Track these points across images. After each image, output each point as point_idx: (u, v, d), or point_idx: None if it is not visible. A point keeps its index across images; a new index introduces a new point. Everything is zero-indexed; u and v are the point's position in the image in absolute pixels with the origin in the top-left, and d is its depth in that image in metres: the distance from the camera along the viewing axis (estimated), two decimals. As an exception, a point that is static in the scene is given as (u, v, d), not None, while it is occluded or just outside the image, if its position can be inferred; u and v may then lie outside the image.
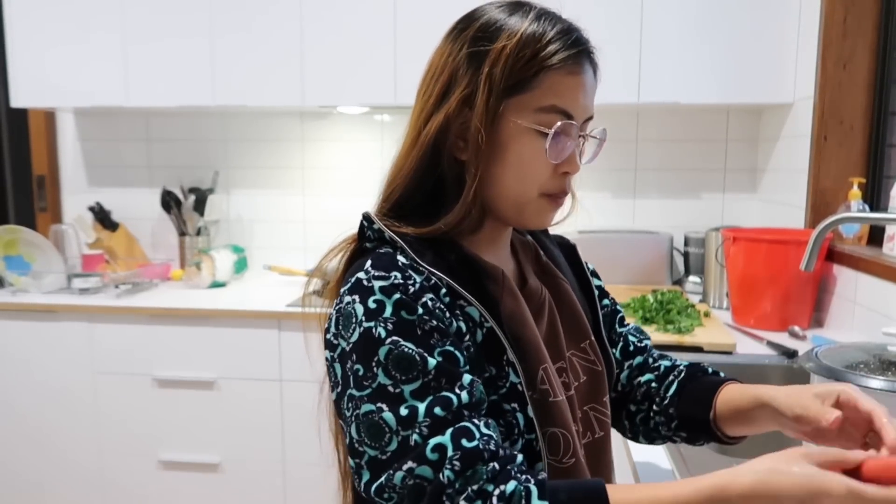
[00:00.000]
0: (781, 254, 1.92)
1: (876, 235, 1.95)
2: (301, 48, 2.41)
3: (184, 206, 2.79)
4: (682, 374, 0.97)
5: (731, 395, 0.89)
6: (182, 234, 2.81)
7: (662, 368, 1.00)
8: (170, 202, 2.79)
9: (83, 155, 2.98)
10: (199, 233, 2.80)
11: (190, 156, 2.91)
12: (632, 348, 1.03)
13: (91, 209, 2.81)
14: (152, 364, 2.36)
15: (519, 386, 0.78)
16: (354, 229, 0.87)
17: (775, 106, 2.38)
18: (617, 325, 1.04)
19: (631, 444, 1.19)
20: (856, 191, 1.94)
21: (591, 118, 0.83)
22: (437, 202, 0.82)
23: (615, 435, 0.98)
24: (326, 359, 0.77)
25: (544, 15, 0.80)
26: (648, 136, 2.67)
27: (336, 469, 0.92)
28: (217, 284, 2.63)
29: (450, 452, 0.67)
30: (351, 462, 0.72)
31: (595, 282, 1.02)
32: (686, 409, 0.93)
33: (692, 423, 0.92)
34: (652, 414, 0.98)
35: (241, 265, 2.81)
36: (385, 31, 2.37)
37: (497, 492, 0.66)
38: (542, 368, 0.81)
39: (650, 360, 1.02)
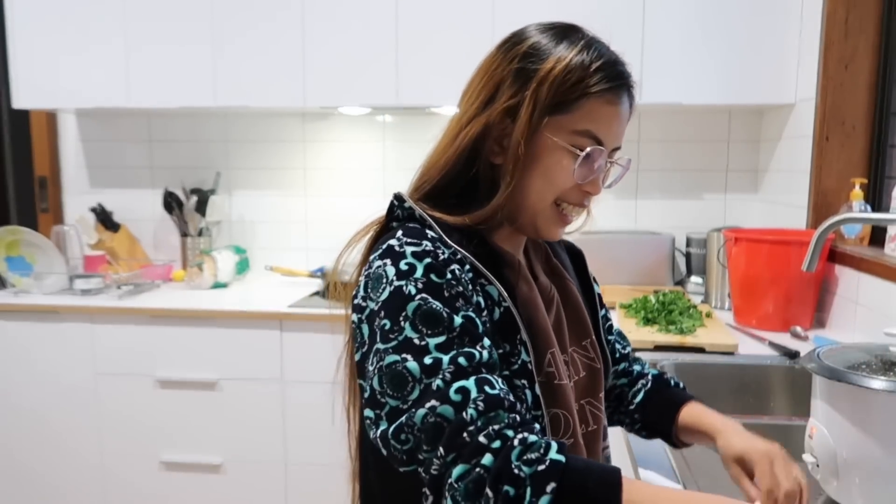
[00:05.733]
0: (783, 254, 1.92)
1: (878, 236, 1.94)
2: (303, 49, 2.42)
3: (185, 206, 2.79)
4: (649, 385, 1.07)
5: (689, 418, 1.00)
6: (184, 234, 2.81)
7: (634, 374, 1.10)
8: (171, 203, 2.79)
9: (85, 156, 2.98)
10: (200, 234, 2.80)
11: (192, 157, 2.91)
12: (617, 355, 1.12)
13: (93, 210, 2.81)
14: (154, 365, 2.36)
15: (529, 364, 0.82)
16: (356, 227, 0.91)
17: (777, 106, 2.37)
18: (606, 333, 1.10)
19: (631, 439, 1.20)
20: (857, 191, 1.94)
21: (618, 148, 0.89)
22: (465, 198, 0.87)
23: (616, 430, 1.05)
24: (353, 322, 0.80)
25: (594, 44, 0.84)
26: (650, 137, 2.67)
27: (347, 465, 0.94)
28: (219, 285, 2.64)
29: (473, 394, 0.69)
30: (370, 413, 0.74)
31: (595, 288, 1.08)
32: (651, 418, 1.05)
33: (654, 430, 1.05)
34: (619, 414, 1.09)
35: (242, 266, 2.81)
36: (387, 33, 2.37)
37: (519, 437, 0.68)
38: (549, 352, 0.85)
39: (628, 364, 1.12)
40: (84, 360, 2.39)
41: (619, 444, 1.26)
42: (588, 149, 0.83)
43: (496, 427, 0.68)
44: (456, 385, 0.70)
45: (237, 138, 2.88)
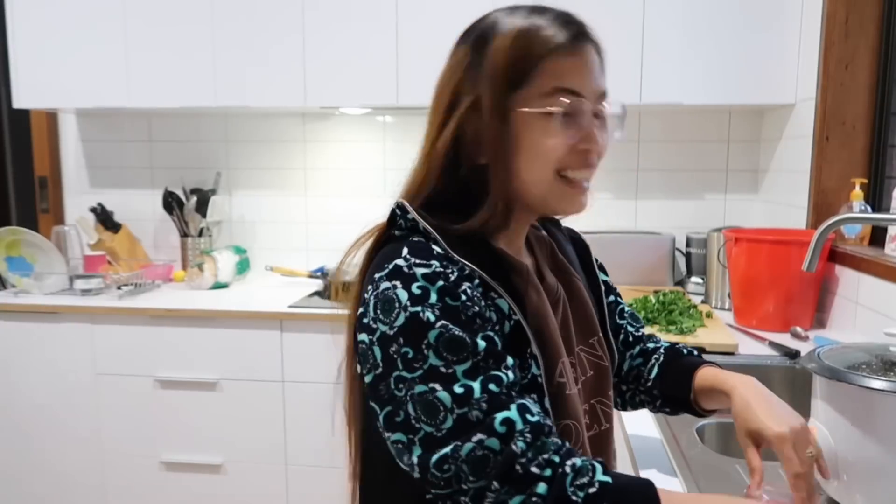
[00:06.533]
0: (783, 254, 1.92)
1: (878, 236, 1.94)
2: (303, 49, 2.42)
3: (186, 207, 2.79)
4: (662, 358, 1.05)
5: (704, 380, 0.98)
6: (184, 235, 2.81)
7: (648, 351, 1.08)
8: (172, 203, 2.79)
9: (85, 156, 2.98)
10: (201, 234, 2.80)
11: (192, 157, 2.91)
12: (631, 339, 1.10)
13: (93, 210, 2.81)
14: (154, 365, 2.36)
15: (539, 378, 0.81)
16: (358, 228, 0.88)
17: (777, 107, 2.37)
18: (617, 317, 1.10)
19: (632, 440, 1.20)
20: (858, 191, 1.94)
21: (604, 96, 0.83)
22: (465, 199, 0.84)
23: (616, 431, 1.03)
24: (363, 342, 0.77)
25: (537, 9, 0.82)
26: (650, 137, 2.67)
27: (347, 466, 0.93)
28: (219, 285, 2.64)
29: (519, 426, 0.70)
30: (401, 437, 0.73)
31: (602, 277, 1.06)
32: (668, 390, 1.03)
33: (674, 401, 1.02)
34: (640, 394, 1.08)
35: (243, 266, 2.81)
36: (387, 33, 2.37)
37: (569, 463, 0.70)
38: (560, 362, 0.84)
39: (643, 345, 1.10)
40: (84, 361, 2.39)
41: (620, 445, 1.27)
42: (566, 101, 0.79)
43: (545, 456, 0.70)
44: (500, 416, 0.70)
45: (237, 138, 2.89)
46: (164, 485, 2.41)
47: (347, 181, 2.84)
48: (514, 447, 0.69)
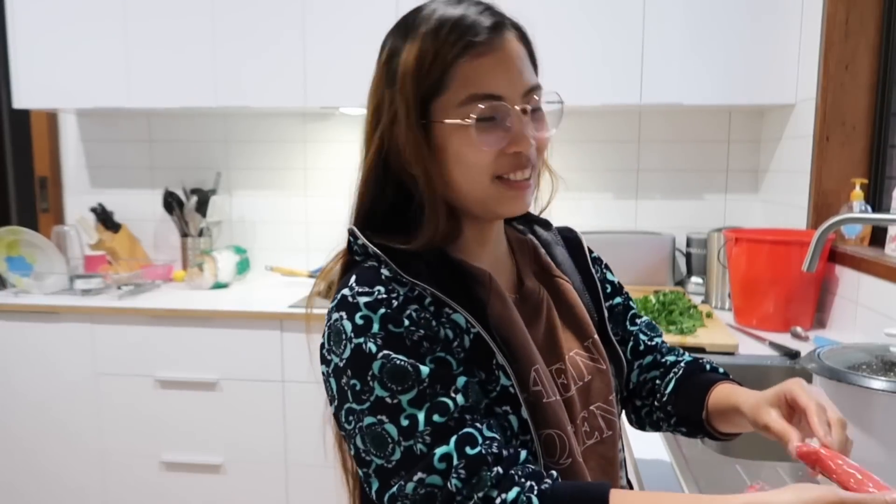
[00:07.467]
0: (784, 254, 1.92)
1: (878, 236, 1.94)
2: (303, 49, 2.42)
3: (186, 207, 2.79)
4: (681, 372, 0.97)
5: (719, 397, 0.90)
6: (184, 235, 2.81)
7: (667, 364, 1.01)
8: (172, 203, 2.79)
9: (85, 156, 2.98)
10: (201, 234, 2.80)
11: (192, 157, 2.92)
12: (642, 347, 1.02)
13: (93, 210, 2.82)
14: (154, 365, 2.36)
15: (511, 389, 0.78)
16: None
17: (777, 107, 2.37)
18: (628, 323, 1.03)
19: (632, 440, 1.20)
20: (858, 191, 1.94)
21: (534, 88, 0.80)
22: (417, 213, 0.82)
23: None
24: (323, 373, 0.78)
25: (438, 12, 0.78)
26: (650, 137, 2.67)
27: (345, 471, 0.94)
28: (219, 285, 2.64)
29: (455, 461, 0.69)
30: (360, 471, 0.74)
31: (609, 276, 1.03)
32: (682, 407, 0.95)
33: (688, 421, 0.94)
34: (653, 409, 1.00)
35: (243, 266, 2.81)
36: (387, 31, 2.36)
37: (499, 499, 0.67)
38: (533, 370, 0.80)
39: (658, 356, 1.02)
40: (84, 361, 2.39)
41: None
42: (479, 108, 0.75)
43: (480, 494, 0.68)
44: (438, 452, 0.69)
45: (237, 138, 2.89)
46: (164, 485, 2.41)
47: (347, 181, 2.83)
48: (450, 486, 0.68)
